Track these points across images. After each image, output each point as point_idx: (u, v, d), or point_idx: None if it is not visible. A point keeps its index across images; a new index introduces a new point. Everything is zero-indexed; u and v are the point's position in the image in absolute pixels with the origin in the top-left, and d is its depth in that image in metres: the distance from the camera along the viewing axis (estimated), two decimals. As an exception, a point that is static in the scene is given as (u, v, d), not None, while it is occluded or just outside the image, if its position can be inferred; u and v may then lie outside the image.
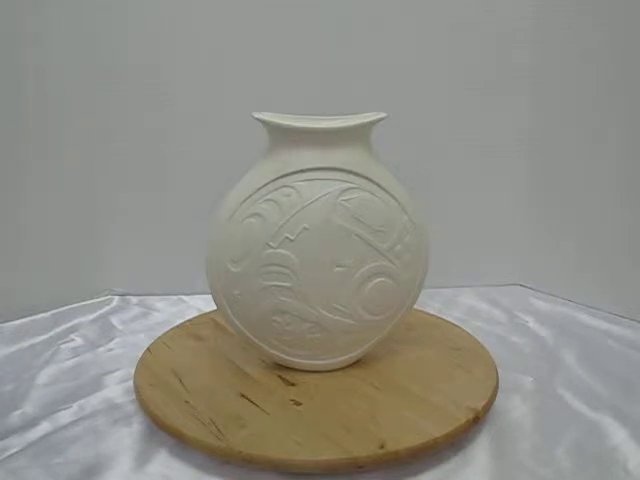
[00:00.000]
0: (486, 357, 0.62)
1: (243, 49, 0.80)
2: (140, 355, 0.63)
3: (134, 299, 0.86)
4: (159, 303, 0.85)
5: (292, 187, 0.54)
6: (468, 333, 0.67)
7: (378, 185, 0.56)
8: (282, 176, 0.55)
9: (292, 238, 0.54)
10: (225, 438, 0.49)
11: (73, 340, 0.73)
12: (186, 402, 0.55)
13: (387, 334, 0.59)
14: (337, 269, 0.54)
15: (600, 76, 0.77)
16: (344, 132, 0.55)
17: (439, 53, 0.82)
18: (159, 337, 0.68)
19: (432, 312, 0.75)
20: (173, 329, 0.70)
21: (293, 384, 0.58)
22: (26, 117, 0.78)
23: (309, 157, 0.55)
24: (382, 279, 0.56)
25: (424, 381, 0.58)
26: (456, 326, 0.70)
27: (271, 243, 0.54)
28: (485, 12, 0.81)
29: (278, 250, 0.54)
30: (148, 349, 0.65)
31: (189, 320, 0.72)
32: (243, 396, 0.56)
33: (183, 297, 0.87)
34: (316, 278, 0.54)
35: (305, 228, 0.54)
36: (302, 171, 0.55)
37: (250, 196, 0.56)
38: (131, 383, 0.59)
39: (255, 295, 0.56)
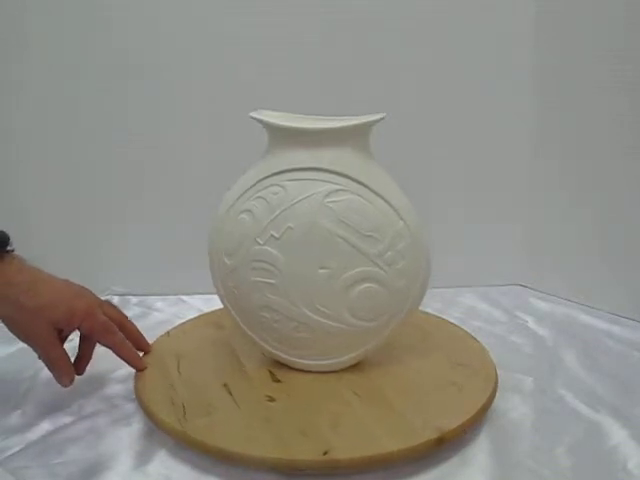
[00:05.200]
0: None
1: (245, 48, 0.80)
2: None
3: (134, 299, 0.86)
4: (159, 303, 0.85)
5: (281, 186, 0.55)
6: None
7: (370, 189, 0.54)
8: (273, 174, 0.55)
9: (277, 236, 0.54)
10: (186, 423, 0.51)
11: (73, 340, 0.73)
12: (171, 385, 0.57)
13: (385, 341, 0.58)
14: (321, 271, 0.54)
15: (604, 78, 0.77)
16: (334, 133, 0.54)
17: (440, 54, 0.82)
18: (183, 323, 0.71)
19: (432, 312, 0.74)
20: (200, 316, 0.73)
21: (279, 381, 0.58)
22: (26, 117, 0.78)
23: (299, 157, 0.55)
24: (370, 285, 0.54)
25: (410, 394, 0.56)
26: (473, 338, 0.66)
27: (259, 239, 0.55)
28: (486, 11, 0.81)
29: (264, 247, 0.55)
30: (167, 333, 0.68)
31: (221, 308, 0.70)
32: (225, 386, 0.57)
33: (183, 297, 0.87)
34: (300, 278, 0.54)
35: (290, 227, 0.54)
36: (291, 170, 0.55)
37: (244, 192, 0.56)
38: (131, 383, 0.59)
39: (246, 289, 0.57)
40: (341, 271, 0.54)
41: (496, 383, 0.57)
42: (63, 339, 0.57)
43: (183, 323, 0.72)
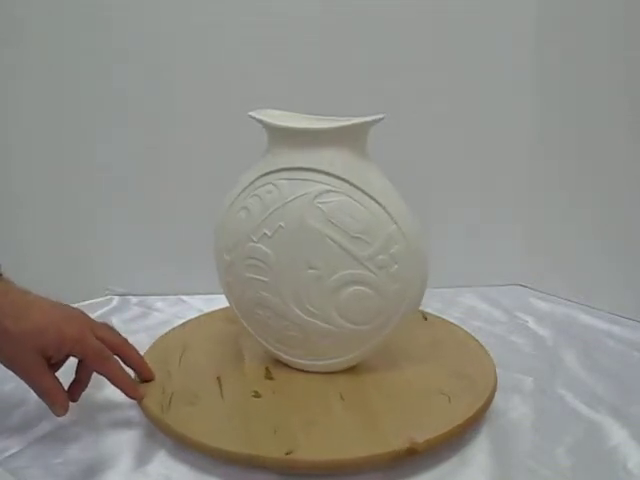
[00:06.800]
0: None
1: (246, 48, 0.80)
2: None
3: (134, 299, 0.86)
4: (159, 303, 0.85)
5: (275, 185, 0.55)
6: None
7: (362, 190, 0.53)
8: (268, 173, 0.56)
9: (269, 234, 0.54)
10: (167, 412, 0.52)
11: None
12: (168, 373, 0.59)
13: (380, 345, 0.58)
14: (310, 271, 0.54)
15: (604, 78, 0.76)
16: (326, 133, 0.54)
17: (440, 54, 0.82)
18: (200, 315, 0.73)
19: (432, 312, 0.74)
20: (219, 310, 0.73)
21: (272, 378, 0.59)
22: (25, 116, 0.78)
23: (293, 156, 0.55)
24: (360, 288, 0.54)
25: (395, 402, 0.55)
26: (479, 346, 0.64)
27: (253, 237, 0.55)
28: (486, 11, 0.81)
29: (258, 245, 0.55)
30: (183, 324, 0.71)
31: None
32: (218, 379, 0.58)
33: (183, 297, 0.87)
34: (290, 277, 0.55)
35: (281, 226, 0.54)
36: (285, 170, 0.55)
37: (244, 189, 0.57)
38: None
39: (242, 285, 0.57)
40: (330, 272, 0.54)
41: (488, 401, 0.55)
42: (55, 365, 0.53)
43: (200, 315, 0.74)
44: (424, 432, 0.49)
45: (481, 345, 0.64)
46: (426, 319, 0.71)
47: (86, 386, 0.56)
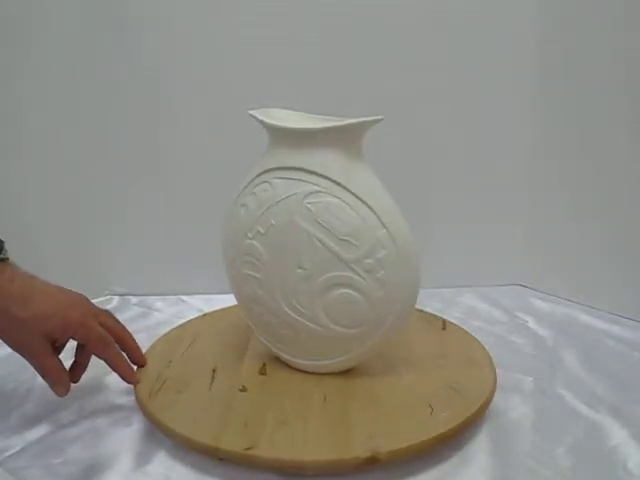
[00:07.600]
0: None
1: (246, 48, 0.80)
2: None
3: (134, 299, 0.86)
4: (159, 303, 0.85)
5: (270, 183, 0.55)
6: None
7: (352, 193, 0.52)
8: (266, 171, 0.56)
9: (262, 232, 0.55)
10: (153, 400, 0.54)
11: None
12: (169, 361, 0.60)
13: (375, 348, 0.57)
14: (299, 270, 0.54)
15: (604, 77, 0.76)
16: (318, 134, 0.53)
17: (441, 53, 0.82)
18: (213, 311, 0.74)
19: (432, 312, 0.74)
20: (235, 306, 0.72)
21: (265, 374, 0.59)
22: (27, 115, 0.78)
23: (288, 156, 0.55)
24: (347, 291, 0.53)
25: (376, 409, 0.54)
26: (488, 361, 0.61)
27: (248, 234, 0.56)
28: (486, 11, 0.81)
29: (252, 241, 0.56)
30: (202, 316, 0.72)
31: None
32: (213, 370, 0.59)
33: (183, 297, 0.87)
34: (280, 275, 0.55)
35: (272, 224, 0.54)
36: (280, 169, 0.55)
37: (246, 186, 0.57)
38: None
39: (240, 281, 0.58)
40: (318, 273, 0.53)
41: (469, 419, 0.52)
42: (58, 348, 0.55)
43: (217, 310, 0.74)
44: (391, 442, 0.48)
45: (491, 361, 0.61)
46: (444, 328, 0.70)
47: (85, 368, 0.58)
